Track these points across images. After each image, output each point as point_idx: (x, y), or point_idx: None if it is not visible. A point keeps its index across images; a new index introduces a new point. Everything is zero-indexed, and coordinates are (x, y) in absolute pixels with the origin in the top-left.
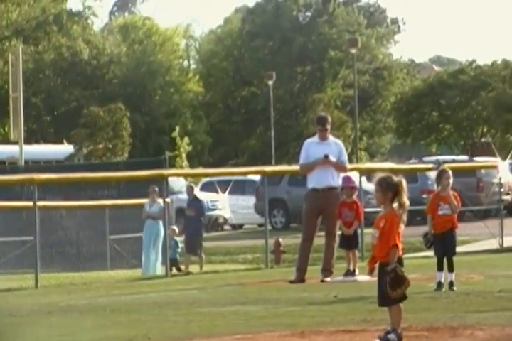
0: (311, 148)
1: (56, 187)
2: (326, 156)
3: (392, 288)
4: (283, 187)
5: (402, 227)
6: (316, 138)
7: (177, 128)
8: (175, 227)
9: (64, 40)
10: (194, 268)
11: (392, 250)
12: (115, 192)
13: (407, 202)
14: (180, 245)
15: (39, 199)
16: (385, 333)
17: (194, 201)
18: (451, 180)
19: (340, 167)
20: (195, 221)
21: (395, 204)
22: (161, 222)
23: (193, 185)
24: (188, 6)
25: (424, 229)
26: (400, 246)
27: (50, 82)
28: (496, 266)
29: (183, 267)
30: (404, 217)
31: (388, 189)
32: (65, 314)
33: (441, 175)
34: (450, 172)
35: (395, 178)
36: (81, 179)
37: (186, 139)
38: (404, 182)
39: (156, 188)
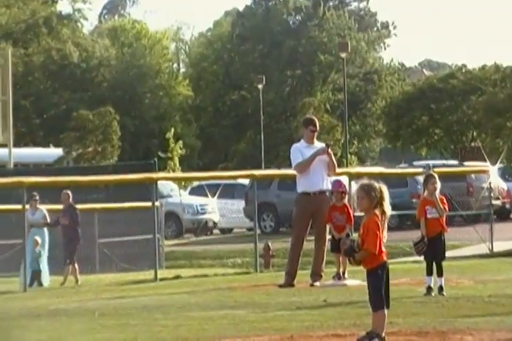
0: (302, 151)
1: (45, 190)
2: (328, 145)
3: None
4: (272, 191)
5: (385, 234)
6: (303, 143)
7: (172, 130)
8: (37, 238)
9: (53, 43)
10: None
11: (362, 252)
12: (104, 195)
13: (388, 209)
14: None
15: (28, 202)
16: (368, 338)
17: (69, 209)
18: (438, 185)
19: (333, 165)
20: (70, 230)
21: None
22: (45, 230)
23: (68, 192)
24: (178, 9)
25: (413, 234)
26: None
27: (39, 85)
28: (486, 271)
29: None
30: (385, 225)
31: (371, 195)
32: (54, 317)
33: (428, 180)
34: (437, 177)
35: (377, 185)
36: (70, 182)
37: (180, 142)
38: (385, 189)
39: (37, 196)
